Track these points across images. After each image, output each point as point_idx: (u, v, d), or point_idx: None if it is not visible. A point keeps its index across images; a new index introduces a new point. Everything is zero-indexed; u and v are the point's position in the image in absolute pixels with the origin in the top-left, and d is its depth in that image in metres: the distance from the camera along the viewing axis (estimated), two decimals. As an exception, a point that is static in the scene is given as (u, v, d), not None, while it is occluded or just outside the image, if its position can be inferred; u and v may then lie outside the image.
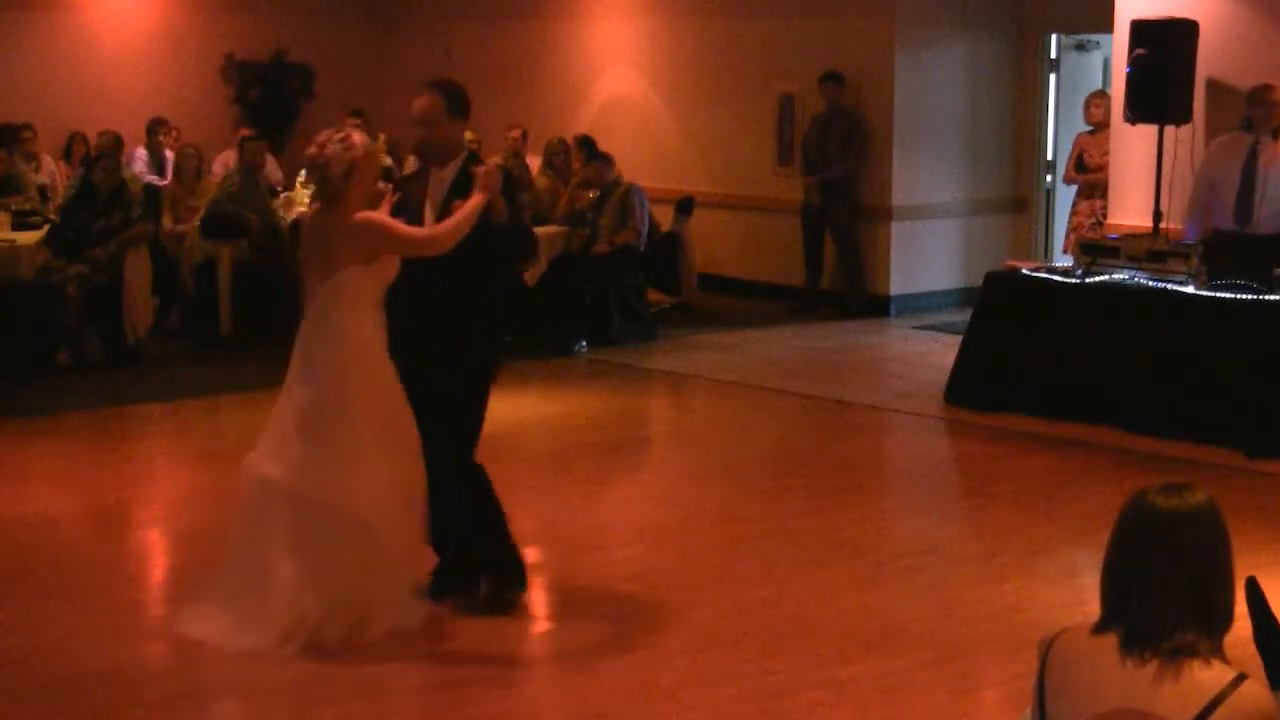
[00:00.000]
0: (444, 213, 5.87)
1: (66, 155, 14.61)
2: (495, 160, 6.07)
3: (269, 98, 16.52)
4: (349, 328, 5.74)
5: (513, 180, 6.52)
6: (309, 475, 5.68)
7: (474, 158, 6.19)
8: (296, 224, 11.80)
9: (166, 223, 12.39)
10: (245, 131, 13.95)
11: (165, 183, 13.57)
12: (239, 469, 5.90)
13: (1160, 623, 2.81)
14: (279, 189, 13.56)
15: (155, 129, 14.76)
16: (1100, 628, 2.89)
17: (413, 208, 5.98)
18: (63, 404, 9.86)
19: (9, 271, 10.81)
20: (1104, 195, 11.48)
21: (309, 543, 5.68)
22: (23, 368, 10.52)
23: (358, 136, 5.83)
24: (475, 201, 5.77)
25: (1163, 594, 2.82)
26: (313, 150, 5.77)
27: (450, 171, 5.99)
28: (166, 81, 16.09)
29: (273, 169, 14.11)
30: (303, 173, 12.74)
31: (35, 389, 10.23)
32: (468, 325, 5.99)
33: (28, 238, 11.15)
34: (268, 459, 5.77)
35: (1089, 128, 11.96)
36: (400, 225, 5.79)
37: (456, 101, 6.00)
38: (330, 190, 5.74)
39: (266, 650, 5.57)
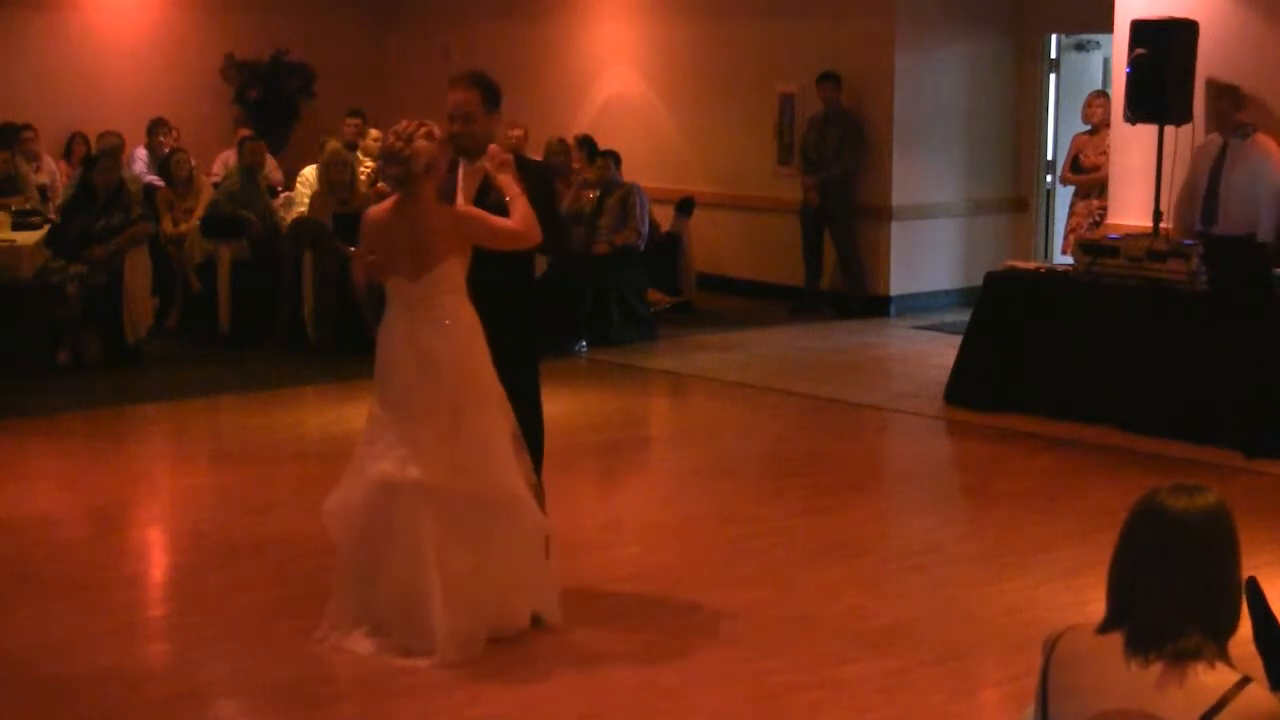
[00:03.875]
0: (480, 206, 5.84)
1: (67, 155, 14.61)
2: (497, 146, 6.05)
3: (269, 98, 16.52)
4: (459, 317, 5.67)
5: (550, 168, 6.49)
6: (459, 470, 5.61)
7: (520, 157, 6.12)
8: (297, 223, 11.92)
9: (167, 226, 12.40)
10: (245, 132, 13.96)
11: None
12: (366, 485, 5.65)
13: (1166, 624, 2.80)
14: (279, 189, 13.57)
15: (155, 129, 14.76)
16: (1105, 627, 2.88)
17: (445, 201, 5.87)
18: (63, 404, 9.86)
19: (9, 271, 10.80)
20: (1101, 195, 11.50)
21: (473, 538, 5.63)
22: (23, 368, 10.53)
23: (438, 128, 5.70)
24: (510, 184, 5.76)
25: (1170, 595, 2.81)
26: (397, 143, 5.58)
27: (483, 164, 5.95)
28: (166, 81, 16.10)
29: (272, 169, 14.13)
30: (310, 170, 12.78)
31: (35, 389, 10.23)
32: (516, 316, 5.97)
33: (28, 238, 11.15)
34: (407, 465, 5.59)
35: (1087, 127, 11.98)
36: (497, 218, 5.71)
37: (492, 95, 5.98)
38: (413, 183, 5.60)
39: (433, 655, 5.50)
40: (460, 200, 5.89)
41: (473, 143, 5.94)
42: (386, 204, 5.76)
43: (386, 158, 5.67)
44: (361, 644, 5.64)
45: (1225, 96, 9.64)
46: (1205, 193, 9.63)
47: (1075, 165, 11.89)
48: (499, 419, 5.71)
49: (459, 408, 5.64)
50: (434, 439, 5.62)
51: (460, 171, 5.97)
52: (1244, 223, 9.49)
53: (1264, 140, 9.58)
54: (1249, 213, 9.53)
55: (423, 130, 5.61)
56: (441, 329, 5.65)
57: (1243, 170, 9.52)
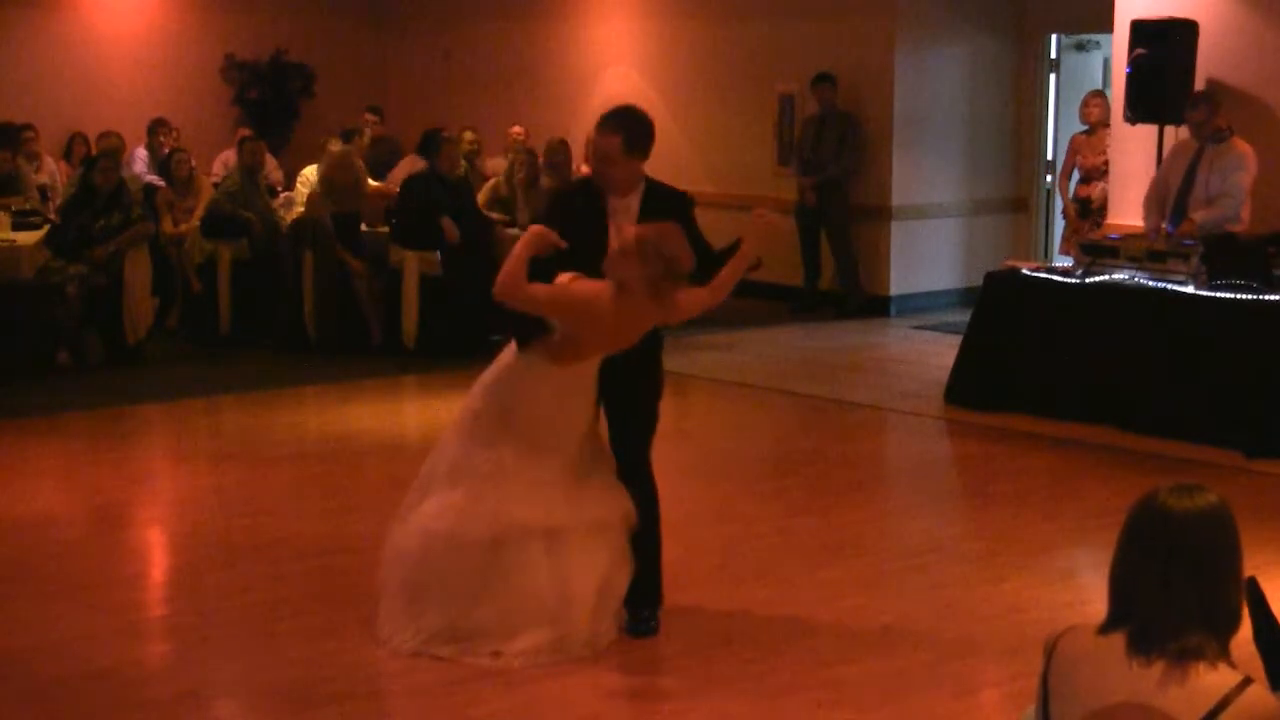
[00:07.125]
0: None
1: (67, 155, 14.61)
2: (763, 210, 6.41)
3: (269, 98, 16.53)
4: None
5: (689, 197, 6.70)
6: (594, 502, 5.83)
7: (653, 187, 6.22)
8: (297, 223, 11.91)
9: (167, 226, 12.40)
10: (245, 132, 13.96)
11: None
12: (496, 524, 5.64)
13: (1168, 624, 2.80)
14: (279, 189, 13.57)
15: (155, 129, 14.76)
16: (1107, 627, 2.88)
17: (587, 229, 5.92)
18: (63, 404, 9.86)
19: (9, 271, 10.80)
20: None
21: (601, 561, 5.77)
22: (23, 368, 10.53)
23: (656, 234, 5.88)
24: (745, 255, 6.41)
25: (1171, 595, 2.81)
26: (666, 252, 5.84)
27: (634, 200, 6.09)
28: (166, 81, 16.10)
29: (272, 169, 14.12)
30: (310, 169, 12.74)
31: (35, 389, 10.23)
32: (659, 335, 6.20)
33: (28, 238, 11.14)
34: (545, 510, 5.70)
35: (1086, 127, 11.98)
36: (694, 298, 6.20)
37: (635, 140, 6.01)
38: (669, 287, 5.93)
39: (528, 661, 5.56)
40: (613, 232, 5.96)
41: (611, 182, 6.03)
42: (602, 288, 5.77)
43: (662, 263, 5.80)
44: (445, 649, 5.61)
45: (1200, 106, 9.60)
46: (1178, 193, 9.61)
47: (1082, 205, 11.83)
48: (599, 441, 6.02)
49: (589, 443, 5.94)
50: (573, 480, 5.80)
51: (611, 205, 6.03)
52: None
53: (1240, 144, 9.54)
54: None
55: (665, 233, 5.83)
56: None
57: (1216, 171, 9.50)
